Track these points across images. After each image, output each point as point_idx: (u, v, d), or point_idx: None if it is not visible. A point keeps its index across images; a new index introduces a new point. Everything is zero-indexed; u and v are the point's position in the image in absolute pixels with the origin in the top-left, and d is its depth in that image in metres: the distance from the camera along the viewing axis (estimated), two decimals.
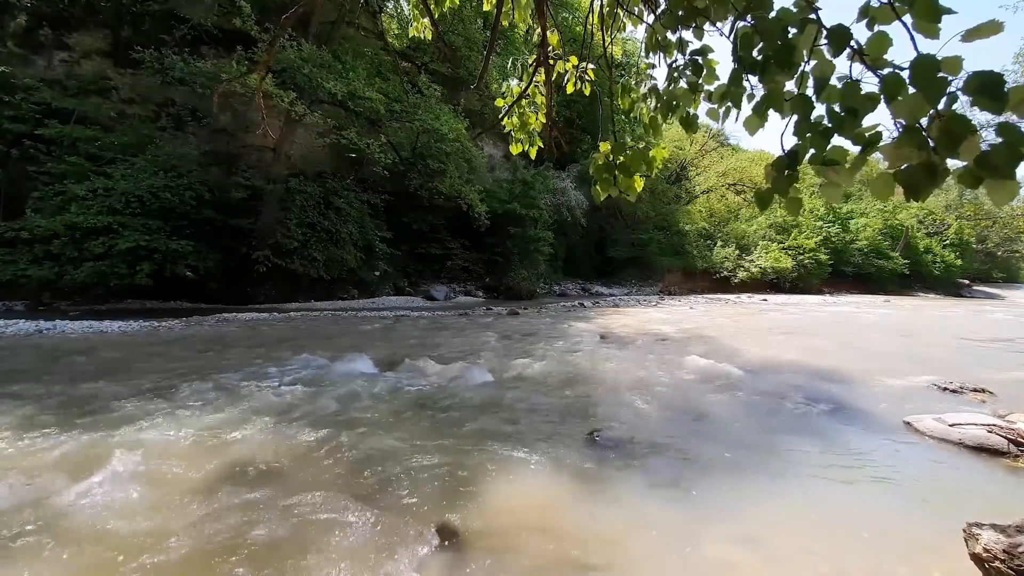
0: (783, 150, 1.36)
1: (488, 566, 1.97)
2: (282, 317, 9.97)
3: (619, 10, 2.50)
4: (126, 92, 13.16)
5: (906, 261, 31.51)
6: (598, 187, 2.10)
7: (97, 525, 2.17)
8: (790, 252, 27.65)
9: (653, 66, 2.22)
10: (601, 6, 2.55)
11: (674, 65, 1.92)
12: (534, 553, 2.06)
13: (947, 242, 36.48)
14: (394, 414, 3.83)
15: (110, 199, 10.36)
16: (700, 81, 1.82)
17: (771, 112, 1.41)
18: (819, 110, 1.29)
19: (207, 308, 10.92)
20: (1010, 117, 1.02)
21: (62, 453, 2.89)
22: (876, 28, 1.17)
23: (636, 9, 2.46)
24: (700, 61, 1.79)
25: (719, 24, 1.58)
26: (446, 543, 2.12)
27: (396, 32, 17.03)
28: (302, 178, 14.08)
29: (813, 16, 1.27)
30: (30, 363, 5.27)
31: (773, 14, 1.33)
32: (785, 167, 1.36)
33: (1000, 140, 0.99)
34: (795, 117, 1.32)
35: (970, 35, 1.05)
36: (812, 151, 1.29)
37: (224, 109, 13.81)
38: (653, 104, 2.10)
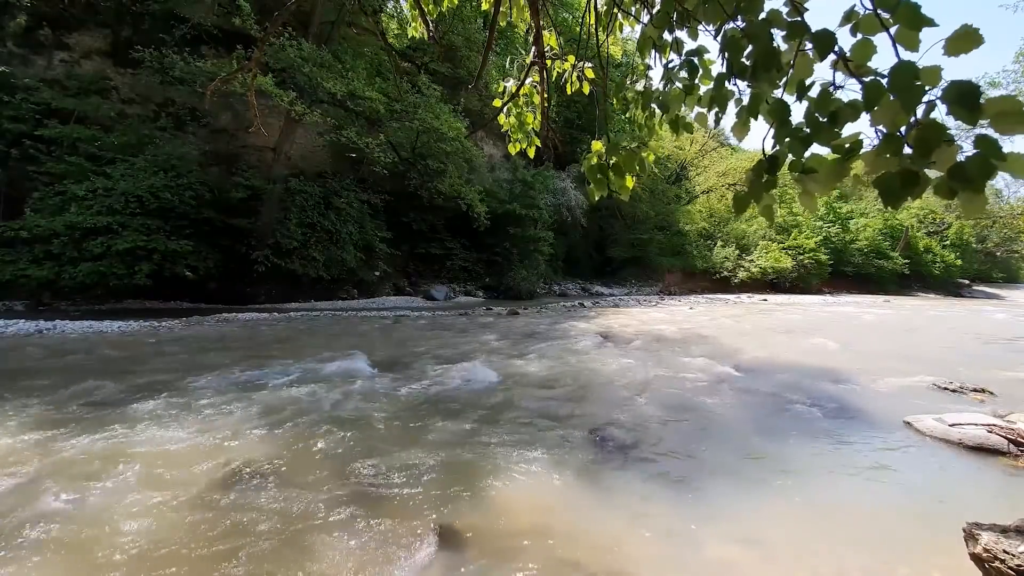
0: (764, 155, 1.35)
1: (488, 566, 1.97)
2: (282, 317, 9.96)
3: (615, 10, 2.50)
4: (126, 92, 13.15)
5: (906, 261, 31.49)
6: (592, 187, 2.09)
7: (96, 525, 2.16)
8: (790, 252, 27.63)
9: (649, 67, 2.21)
10: (597, 6, 2.55)
11: (669, 66, 1.92)
12: (534, 553, 2.06)
13: (947, 242, 36.46)
14: (394, 414, 3.82)
15: (110, 199, 10.36)
16: (696, 82, 1.81)
17: (761, 116, 1.39)
18: (800, 115, 1.29)
19: (207, 308, 10.92)
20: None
21: (62, 453, 2.88)
22: (860, 35, 1.17)
23: (633, 9, 2.45)
24: (695, 62, 1.78)
25: (711, 26, 1.57)
26: (446, 543, 2.12)
27: (396, 32, 17.03)
28: (302, 178, 14.07)
29: (799, 19, 1.26)
30: (30, 363, 5.27)
31: (763, 16, 1.32)
32: (764, 172, 1.35)
33: (976, 151, 0.98)
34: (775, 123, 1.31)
35: (952, 47, 1.04)
36: (791, 158, 1.28)
37: (224, 109, 13.80)
38: (647, 105, 2.09)
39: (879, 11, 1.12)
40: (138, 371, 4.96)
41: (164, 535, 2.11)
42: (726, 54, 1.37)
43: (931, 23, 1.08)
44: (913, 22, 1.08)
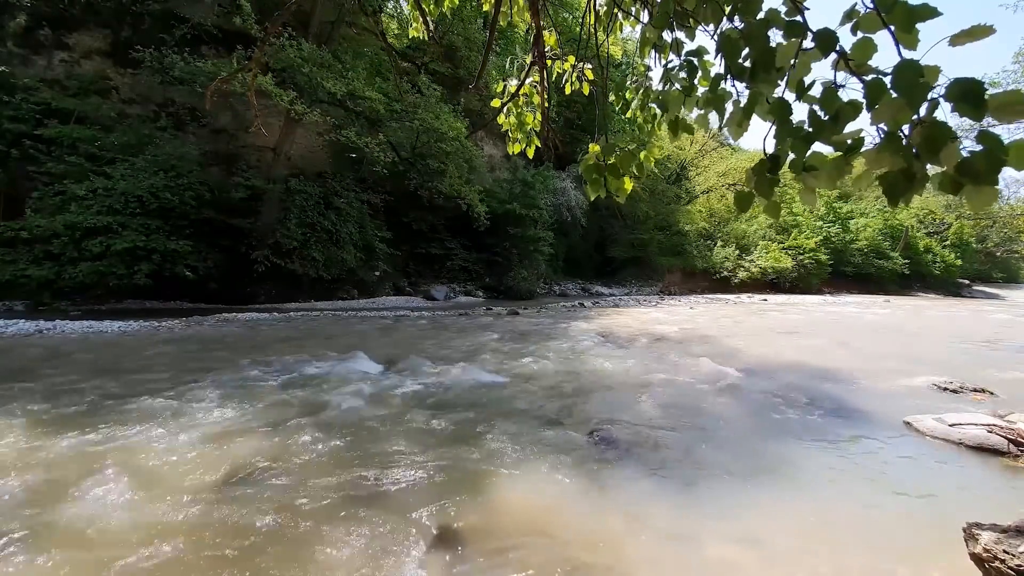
0: (765, 154, 1.35)
1: (488, 566, 1.97)
2: (282, 317, 9.96)
3: (615, 10, 2.50)
4: (126, 92, 13.15)
5: (906, 261, 31.50)
6: (588, 187, 2.09)
7: (96, 525, 2.16)
8: (790, 252, 27.64)
9: (649, 67, 2.21)
10: (596, 6, 2.55)
11: (669, 66, 1.91)
12: (534, 553, 2.06)
13: (947, 242, 36.48)
14: (394, 414, 3.82)
15: (110, 199, 10.35)
16: (695, 83, 1.81)
17: (761, 115, 1.39)
18: (800, 114, 1.29)
19: (207, 308, 10.92)
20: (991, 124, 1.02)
21: (62, 453, 2.88)
22: (861, 34, 1.17)
23: (632, 9, 2.45)
24: (695, 63, 1.78)
25: (709, 26, 1.57)
26: (445, 543, 2.12)
27: (396, 32, 17.04)
28: (302, 178, 14.07)
29: (800, 19, 1.27)
30: (30, 363, 5.27)
31: (761, 15, 1.32)
32: (767, 170, 1.35)
33: (981, 147, 0.99)
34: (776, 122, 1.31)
35: (958, 39, 1.04)
36: (792, 156, 1.28)
37: (224, 109, 13.80)
38: (645, 105, 2.09)
39: (880, 10, 1.12)
40: (138, 371, 4.96)
41: (163, 535, 2.11)
42: (723, 55, 1.37)
43: (935, 13, 1.08)
44: (908, 22, 1.09)
